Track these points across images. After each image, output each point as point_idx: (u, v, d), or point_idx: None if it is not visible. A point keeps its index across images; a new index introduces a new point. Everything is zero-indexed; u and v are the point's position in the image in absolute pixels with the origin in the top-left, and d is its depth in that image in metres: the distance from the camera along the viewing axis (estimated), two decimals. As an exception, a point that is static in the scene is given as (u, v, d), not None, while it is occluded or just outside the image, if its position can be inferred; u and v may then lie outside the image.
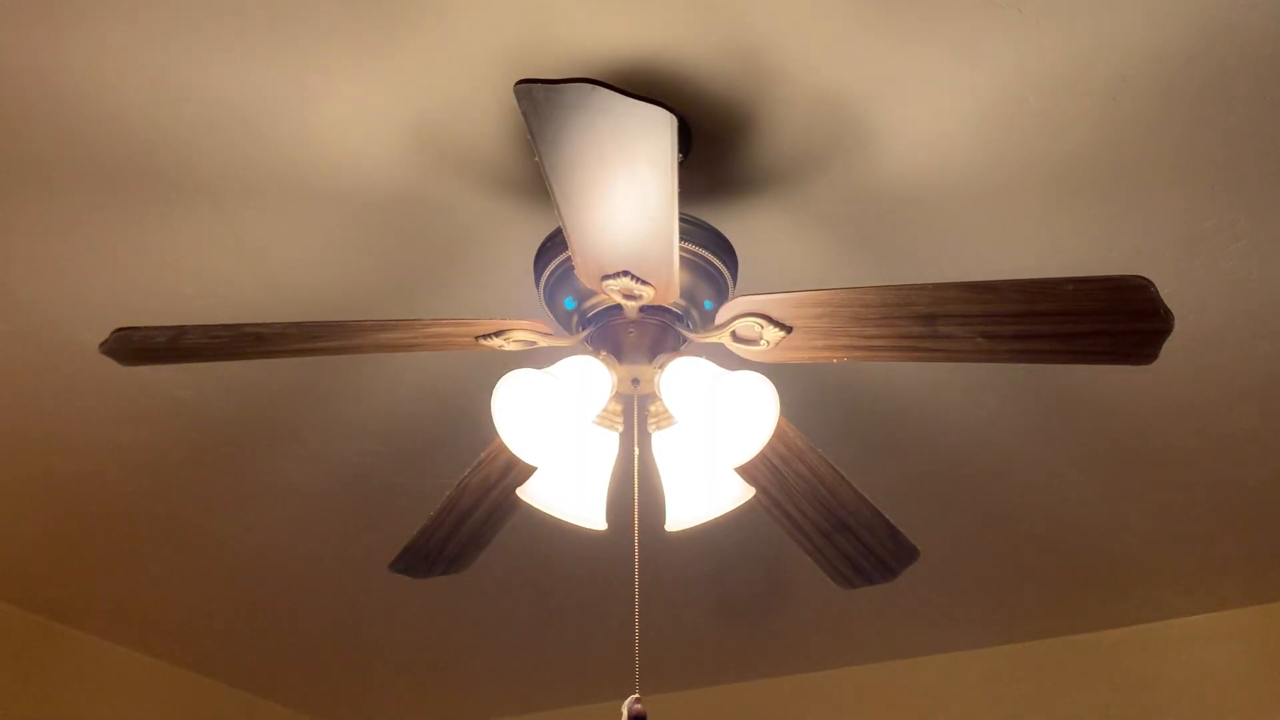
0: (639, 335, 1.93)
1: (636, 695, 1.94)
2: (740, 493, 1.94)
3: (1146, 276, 1.66)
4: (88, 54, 1.81)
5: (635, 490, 2.15)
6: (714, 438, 1.82)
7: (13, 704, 3.57)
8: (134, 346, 1.89)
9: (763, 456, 2.12)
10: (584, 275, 1.76)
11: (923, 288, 1.72)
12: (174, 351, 1.92)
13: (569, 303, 1.96)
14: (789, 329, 1.83)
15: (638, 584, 2.28)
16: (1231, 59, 1.85)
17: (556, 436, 1.82)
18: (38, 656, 3.68)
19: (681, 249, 1.86)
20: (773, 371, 1.99)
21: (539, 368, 1.84)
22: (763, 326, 1.83)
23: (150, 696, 4.01)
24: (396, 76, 1.87)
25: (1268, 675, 3.75)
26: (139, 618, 3.75)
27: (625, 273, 1.72)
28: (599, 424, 1.98)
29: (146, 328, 1.85)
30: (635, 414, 2.18)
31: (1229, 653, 3.81)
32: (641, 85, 1.87)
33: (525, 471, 2.11)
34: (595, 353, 1.94)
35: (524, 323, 1.88)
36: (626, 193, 1.53)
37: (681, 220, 1.83)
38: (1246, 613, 3.84)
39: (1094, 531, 3.34)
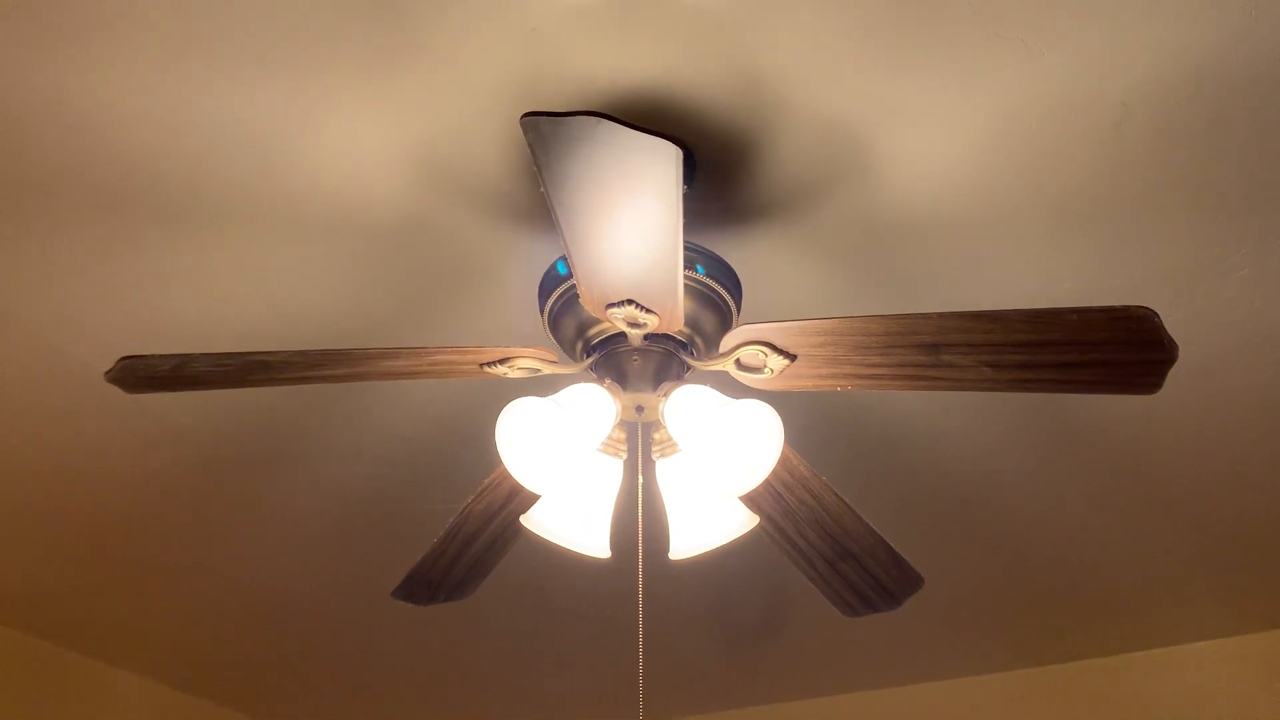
0: (643, 363, 1.92)
1: (640, 724, 1.92)
2: (745, 521, 1.93)
3: (1150, 307, 1.65)
4: (92, 82, 1.82)
5: (639, 518, 2.14)
6: (718, 465, 1.81)
7: (15, 730, 3.56)
8: (139, 375, 1.89)
9: (767, 484, 2.12)
10: (588, 303, 1.76)
11: (927, 317, 1.72)
12: (179, 379, 1.92)
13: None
14: (793, 357, 1.83)
15: (641, 612, 2.27)
16: (1233, 89, 1.85)
17: (560, 464, 1.81)
18: (41, 680, 3.67)
19: (686, 277, 1.86)
20: (777, 400, 1.98)
21: (543, 395, 1.83)
22: (767, 354, 1.82)
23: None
24: (401, 105, 1.87)
25: (1265, 698, 3.74)
26: (142, 642, 3.74)
27: (630, 301, 1.71)
28: (603, 451, 1.98)
29: (151, 356, 1.85)
30: (639, 441, 2.18)
31: (1229, 678, 3.81)
32: (645, 115, 1.87)
33: (529, 499, 2.11)
34: (600, 380, 1.94)
35: (528, 350, 1.87)
36: (631, 223, 1.53)
37: (686, 249, 1.83)
38: (1248, 639, 3.83)
39: (1096, 559, 3.33)
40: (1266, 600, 3.61)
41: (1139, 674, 3.92)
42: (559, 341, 2.01)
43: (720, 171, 2.01)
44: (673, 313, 1.75)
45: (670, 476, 2.02)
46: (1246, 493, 2.99)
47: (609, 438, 1.97)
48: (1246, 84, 1.84)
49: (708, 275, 1.93)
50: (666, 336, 1.91)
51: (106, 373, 1.88)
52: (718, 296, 1.93)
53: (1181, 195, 2.06)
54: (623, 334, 1.89)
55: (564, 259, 1.90)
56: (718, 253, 2.00)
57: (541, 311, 1.99)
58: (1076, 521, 3.13)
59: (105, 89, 1.83)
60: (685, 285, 1.84)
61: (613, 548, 1.98)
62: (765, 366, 1.85)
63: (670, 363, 1.94)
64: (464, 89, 1.84)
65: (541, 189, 1.48)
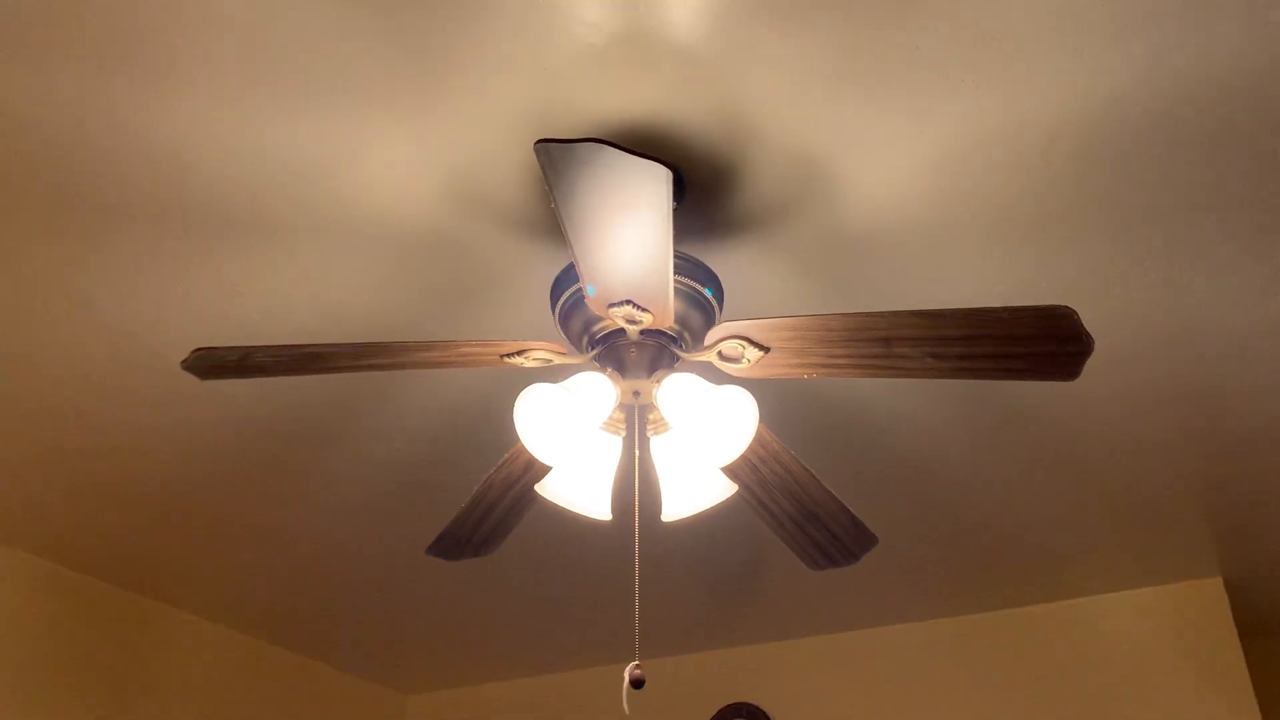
0: (639, 354, 1.92)
1: (636, 661, 1.92)
2: (725, 488, 1.93)
3: (1071, 306, 1.65)
4: (167, 115, 1.81)
5: (636, 486, 2.14)
6: (703, 442, 1.81)
7: (109, 667, 3.56)
8: (210, 364, 1.89)
9: (745, 458, 2.12)
10: (593, 303, 1.75)
11: (881, 315, 1.72)
12: (244, 368, 1.91)
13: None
14: (767, 349, 1.82)
15: (638, 565, 2.27)
16: (1143, 120, 1.85)
17: (569, 440, 1.81)
18: (128, 625, 3.67)
19: (675, 281, 1.86)
20: (753, 385, 1.98)
21: (554, 382, 1.83)
22: (745, 347, 1.82)
23: (223, 658, 4.00)
24: (432, 134, 1.87)
25: (1168, 641, 3.75)
26: (215, 593, 3.74)
27: (628, 301, 1.71)
28: (605, 430, 1.98)
29: (220, 348, 1.84)
30: (636, 421, 2.18)
31: (1140, 624, 3.83)
32: (642, 141, 1.87)
33: (542, 470, 2.11)
34: (602, 369, 1.94)
35: (542, 344, 1.87)
36: (629, 234, 1.53)
37: (675, 257, 1.83)
38: (1152, 591, 3.85)
39: (1025, 522, 3.33)
40: (1168, 557, 3.61)
41: (1060, 620, 3.94)
42: (568, 336, 2.01)
43: (705, 191, 2.00)
44: (664, 311, 1.75)
45: (662, 451, 2.02)
46: (1153, 466, 3.00)
47: (610, 418, 1.97)
48: (1154, 115, 1.84)
49: (694, 280, 1.92)
50: (659, 332, 1.91)
51: (182, 362, 1.88)
52: (703, 298, 1.93)
53: (1100, 211, 2.06)
54: (622, 329, 1.88)
55: (572, 265, 1.90)
56: (703, 260, 2.00)
57: (553, 310, 1.99)
58: (1008, 490, 3.13)
59: (178, 121, 1.82)
60: (675, 288, 1.84)
61: (613, 511, 1.98)
62: (743, 357, 1.85)
63: (662, 354, 1.94)
64: (487, 120, 1.84)
65: (552, 205, 1.47)
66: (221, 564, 3.52)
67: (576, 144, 1.34)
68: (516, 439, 2.03)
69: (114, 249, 2.13)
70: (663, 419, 2.00)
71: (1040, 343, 1.71)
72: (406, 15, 1.64)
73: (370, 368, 1.94)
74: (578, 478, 1.94)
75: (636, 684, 1.85)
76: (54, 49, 1.68)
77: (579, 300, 1.90)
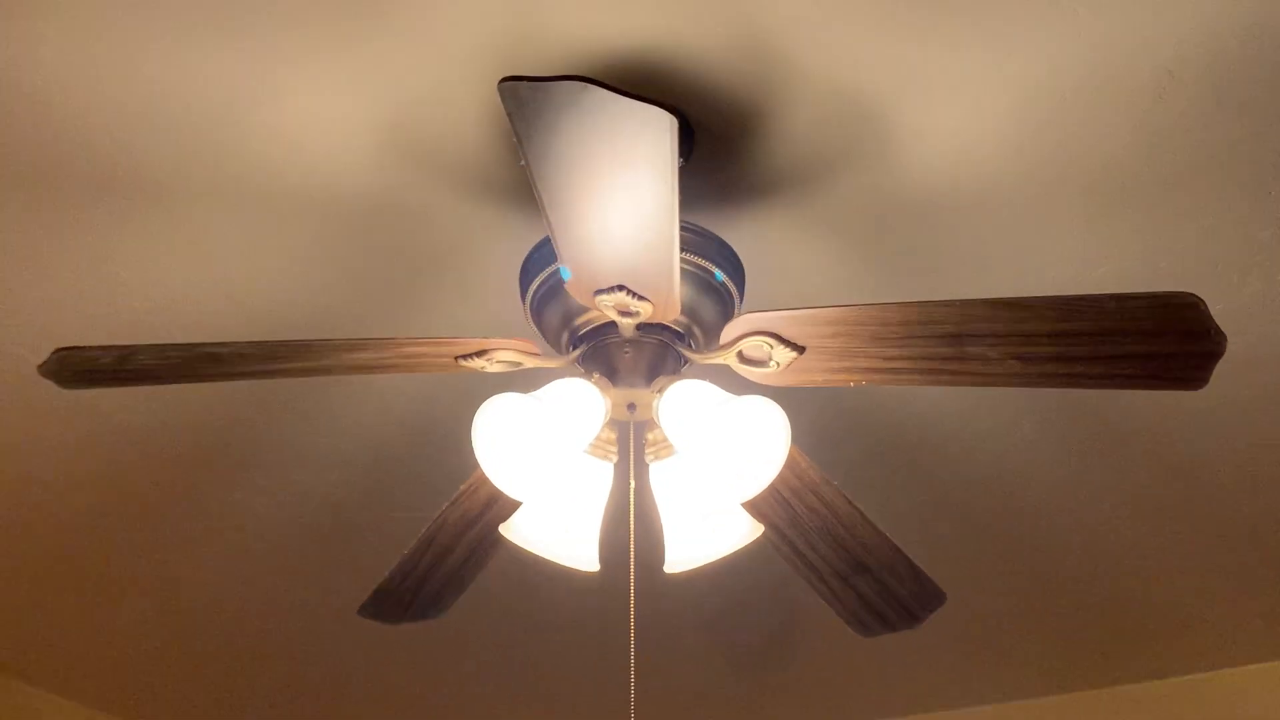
0: (635, 356, 1.93)
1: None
2: (747, 531, 1.93)
3: (1195, 293, 1.65)
4: (18, 47, 1.81)
5: (631, 528, 2.14)
6: (718, 469, 1.82)
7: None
8: (76, 368, 1.89)
9: (773, 490, 2.12)
10: (575, 289, 1.76)
11: (949, 305, 1.72)
12: (121, 374, 1.92)
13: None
14: (801, 349, 1.83)
15: (633, 631, 2.28)
16: (1288, 54, 1.86)
17: (544, 468, 1.82)
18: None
19: (682, 261, 1.87)
20: (783, 396, 1.99)
21: (525, 391, 1.84)
22: (772, 346, 1.83)
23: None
24: (369, 70, 1.87)
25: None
26: (83, 666, 3.74)
27: (620, 287, 1.71)
28: (591, 454, 1.98)
29: (90, 348, 1.85)
30: (631, 443, 2.18)
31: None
32: (638, 82, 1.87)
33: (509, 506, 2.11)
34: (587, 375, 1.94)
35: (508, 342, 1.88)
36: (622, 200, 1.53)
37: (683, 229, 1.83)
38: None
39: (1137, 573, 3.33)
40: (1325, 618, 3.62)
41: (1184, 701, 3.93)
42: (542, 332, 2.01)
43: (720, 144, 2.01)
44: (668, 300, 1.76)
45: (665, 481, 2.02)
46: (1302, 499, 3.01)
47: (598, 438, 1.97)
48: (1303, 47, 1.85)
49: (706, 259, 1.93)
50: (661, 326, 1.91)
51: (40, 365, 1.88)
52: (718, 282, 1.94)
53: (1231, 170, 2.07)
54: (613, 323, 1.89)
55: (548, 241, 1.90)
56: (718, 233, 2.01)
57: (523, 299, 1.99)
58: (1115, 531, 3.13)
59: (34, 53, 1.82)
60: (682, 269, 1.84)
61: (601, 560, 1.99)
62: (770, 359, 1.86)
63: (665, 355, 1.94)
64: (438, 53, 1.85)
65: (522, 163, 1.48)
66: (91, 628, 3.52)
67: (552, 83, 1.35)
68: (475, 466, 2.03)
69: (-47, 219, 2.14)
70: (666, 440, 2.01)
71: (1155, 340, 1.72)
72: (333, -84, 1.65)
73: (286, 373, 1.95)
74: (555, 517, 1.95)
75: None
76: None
77: (557, 285, 1.91)
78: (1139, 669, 3.92)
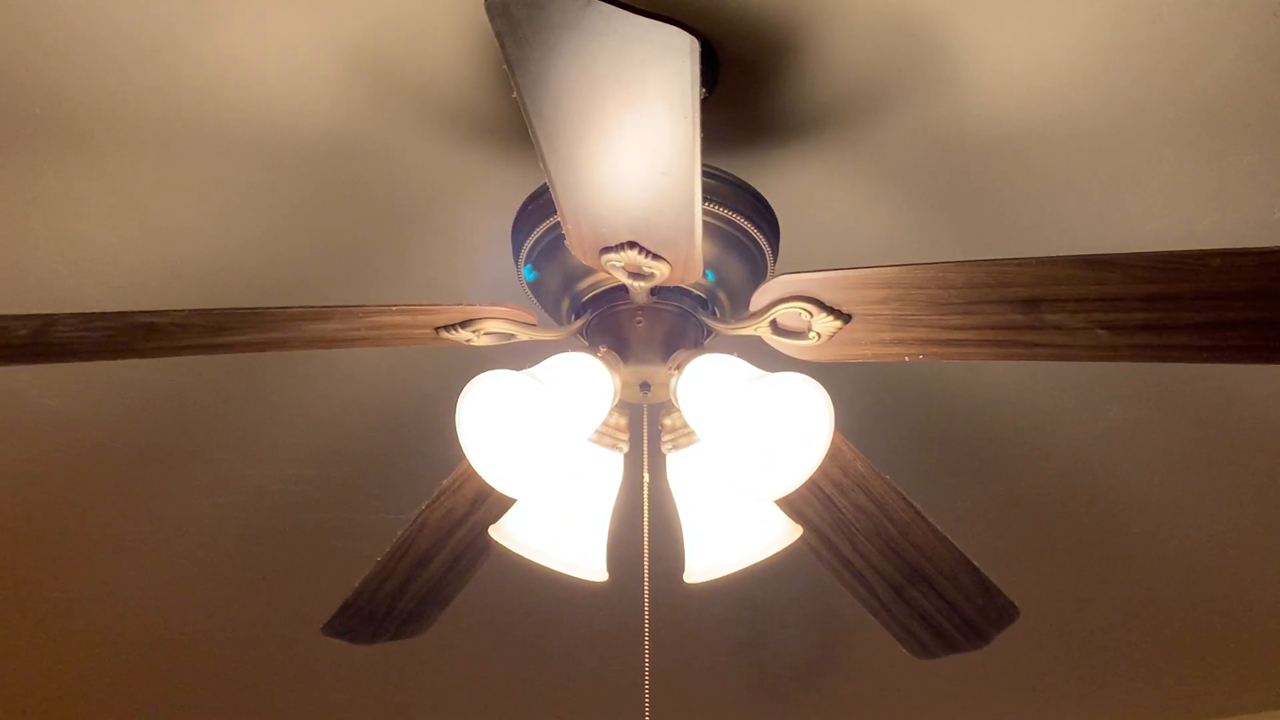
0: (650, 326, 1.93)
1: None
2: (782, 533, 1.94)
3: (1320, 249, 1.65)
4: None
5: (645, 529, 2.14)
6: (748, 460, 1.82)
7: None
8: (-13, 342, 1.90)
9: (812, 484, 2.13)
10: (578, 247, 1.76)
11: (1023, 263, 1.72)
12: (40, 348, 1.92)
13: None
14: (847, 317, 1.83)
15: (647, 650, 2.28)
16: None
17: (541, 459, 1.82)
18: None
19: (705, 212, 1.86)
20: (825, 373, 1.99)
21: (519, 369, 1.84)
22: (812, 314, 1.83)
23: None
24: (331, -13, 1.88)
25: None
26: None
27: (632, 244, 1.71)
28: (597, 442, 1.98)
29: (2, 317, 1.85)
30: (645, 429, 2.19)
31: None
32: (653, -2, 1.87)
33: (500, 504, 2.11)
34: (593, 349, 1.94)
35: (499, 309, 1.88)
36: (633, 139, 1.53)
37: (705, 175, 1.83)
38: None
39: (1243, 584, 3.34)
40: None
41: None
42: (539, 298, 2.01)
43: (751, 73, 2.01)
44: (688, 259, 1.76)
45: (685, 475, 2.02)
46: None
47: (605, 424, 1.98)
48: None
49: (734, 210, 1.93)
50: (680, 291, 1.92)
51: (-57, 340, 1.89)
52: (747, 237, 1.94)
53: (1361, 102, 2.06)
54: (623, 287, 1.89)
55: (545, 189, 1.90)
56: (746, 180, 2.00)
57: (516, 259, 1.99)
58: (1219, 535, 3.14)
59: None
60: (705, 223, 1.84)
61: (610, 568, 1.99)
62: (810, 330, 1.86)
63: (685, 325, 1.94)
64: (412, -36, 1.85)
65: (515, 95, 1.48)
66: (6, 652, 3.54)
67: (551, -1, 1.35)
68: (461, 457, 2.03)
69: None
70: (686, 426, 2.01)
71: (1270, 305, 1.71)
72: None
73: (236, 347, 1.95)
74: (554, 517, 1.95)
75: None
76: None
77: (558, 242, 1.91)
78: (1259, 700, 3.93)
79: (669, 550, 2.63)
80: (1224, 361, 1.85)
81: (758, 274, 1.97)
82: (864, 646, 3.54)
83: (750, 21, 1.92)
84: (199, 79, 2.01)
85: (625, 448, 2.02)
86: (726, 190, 1.93)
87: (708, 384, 1.89)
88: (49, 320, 1.86)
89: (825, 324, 1.84)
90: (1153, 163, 2.17)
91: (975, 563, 2.27)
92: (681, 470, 2.04)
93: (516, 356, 2.00)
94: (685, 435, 2.02)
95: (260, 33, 1.94)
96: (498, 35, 1.39)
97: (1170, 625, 3.55)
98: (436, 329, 1.90)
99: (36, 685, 3.73)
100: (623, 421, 2.01)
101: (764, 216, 1.97)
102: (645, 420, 2.16)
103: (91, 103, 2.04)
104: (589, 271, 1.91)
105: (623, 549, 2.22)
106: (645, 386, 1.96)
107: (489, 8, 1.36)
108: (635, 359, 1.94)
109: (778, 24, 1.93)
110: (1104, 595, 3.40)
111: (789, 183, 2.19)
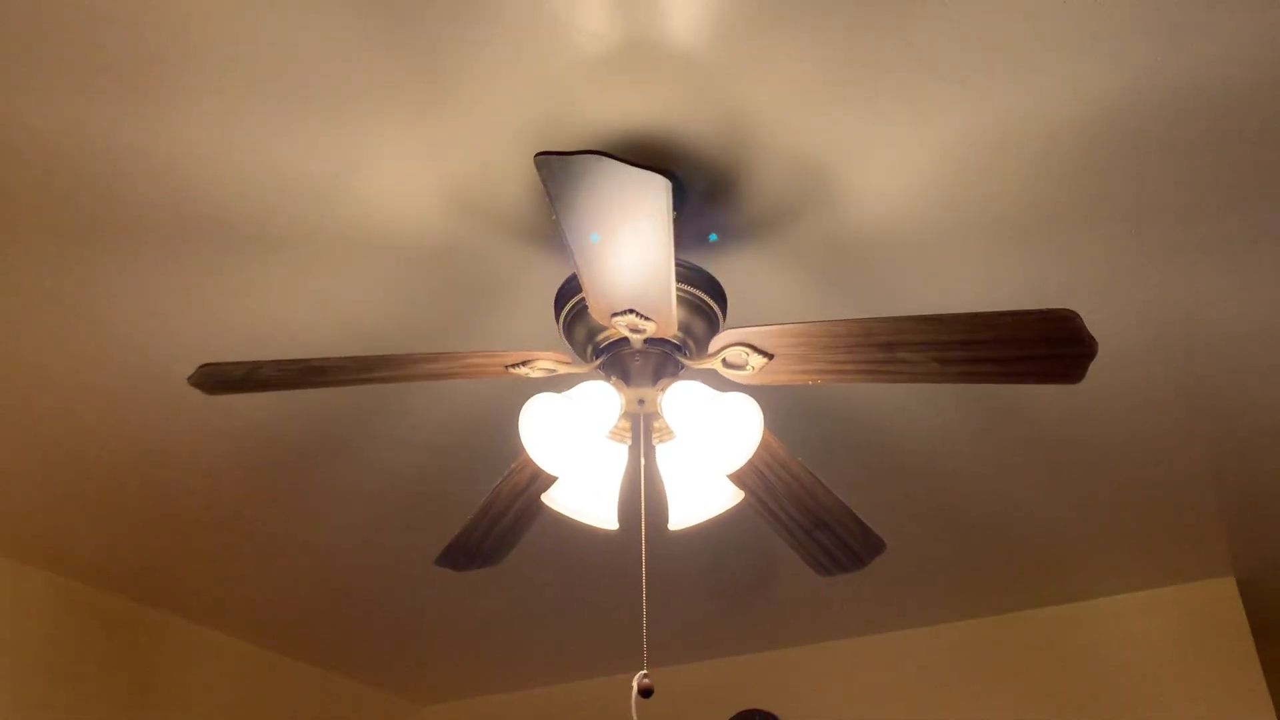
0: (644, 363, 1.92)
1: (645, 670, 1.92)
2: (732, 495, 1.92)
3: (1073, 309, 1.65)
4: (175, 133, 1.82)
5: (642, 494, 2.13)
6: (709, 449, 1.81)
7: (120, 681, 3.56)
8: (216, 379, 1.89)
9: (751, 465, 2.11)
10: (596, 312, 1.76)
11: (884, 320, 1.72)
12: (249, 383, 1.92)
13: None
14: (771, 356, 1.82)
15: (644, 575, 2.27)
16: (1141, 123, 1.85)
17: (574, 450, 1.81)
18: (141, 641, 3.68)
19: (678, 289, 1.86)
20: (758, 392, 1.98)
21: (559, 392, 1.83)
22: (749, 354, 1.82)
23: (236, 671, 4.00)
24: (436, 146, 1.87)
25: (1184, 643, 3.73)
26: (227, 605, 3.75)
27: (631, 310, 1.71)
28: (610, 439, 1.97)
29: (227, 364, 1.85)
30: (641, 430, 2.18)
31: (1152, 625, 3.80)
32: (644, 150, 1.87)
33: (548, 480, 2.11)
34: (607, 378, 1.94)
35: (546, 354, 1.87)
36: (630, 244, 1.53)
37: (678, 265, 1.83)
38: (1167, 591, 3.82)
39: (1033, 521, 3.32)
40: (1180, 557, 3.60)
41: (1071, 623, 3.92)
42: (572, 345, 2.01)
43: (707, 197, 2.00)
44: (668, 319, 1.75)
45: (668, 459, 2.01)
46: (1162, 466, 2.99)
47: (615, 427, 1.97)
48: (1152, 118, 1.84)
49: (697, 287, 1.92)
50: (663, 340, 1.91)
51: (189, 378, 1.89)
52: (706, 305, 1.93)
53: (1101, 213, 2.06)
54: (626, 338, 1.88)
55: (575, 275, 1.90)
56: (705, 268, 2.00)
57: (557, 320, 1.99)
58: (1015, 492, 3.12)
59: (186, 138, 1.83)
60: (678, 296, 1.84)
61: (620, 521, 1.98)
62: (747, 364, 1.85)
63: (666, 362, 1.94)
64: (489, 131, 1.85)
65: (554, 216, 1.48)
66: (233, 576, 3.53)
67: (575, 156, 1.34)
68: (522, 450, 2.03)
69: (123, 265, 2.14)
70: (668, 427, 2.00)
71: (1044, 346, 1.71)
72: (409, 30, 1.65)
73: (376, 380, 1.95)
74: (584, 487, 1.94)
75: (645, 693, 1.85)
76: (64, 69, 1.70)
77: (582, 310, 1.90)
78: (1034, 599, 3.91)
79: (658, 508, 2.61)
80: (1013, 383, 1.84)
81: (713, 328, 1.96)
82: (787, 568, 3.52)
83: (707, 165, 1.92)
84: (354, 206, 2.01)
85: (629, 442, 2.01)
86: (692, 275, 1.92)
87: (682, 400, 1.89)
88: (256, 365, 1.86)
89: (757, 360, 1.84)
90: (968, 252, 2.16)
91: (856, 512, 2.26)
92: (666, 456, 2.02)
93: (557, 384, 2.00)
94: (668, 433, 2.01)
95: (392, 175, 1.94)
96: (543, 179, 1.40)
97: (979, 549, 3.53)
98: (506, 366, 1.90)
99: (251, 595, 3.71)
100: (627, 425, 2.00)
101: (717, 291, 1.97)
102: (642, 424, 2.15)
103: (285, 221, 2.04)
104: (603, 328, 1.90)
105: (627, 508, 2.21)
106: (641, 402, 1.95)
107: (537, 161, 1.37)
108: (634, 384, 1.93)
109: (724, 166, 1.93)
110: (936, 531, 3.38)
111: (734, 269, 2.19)
